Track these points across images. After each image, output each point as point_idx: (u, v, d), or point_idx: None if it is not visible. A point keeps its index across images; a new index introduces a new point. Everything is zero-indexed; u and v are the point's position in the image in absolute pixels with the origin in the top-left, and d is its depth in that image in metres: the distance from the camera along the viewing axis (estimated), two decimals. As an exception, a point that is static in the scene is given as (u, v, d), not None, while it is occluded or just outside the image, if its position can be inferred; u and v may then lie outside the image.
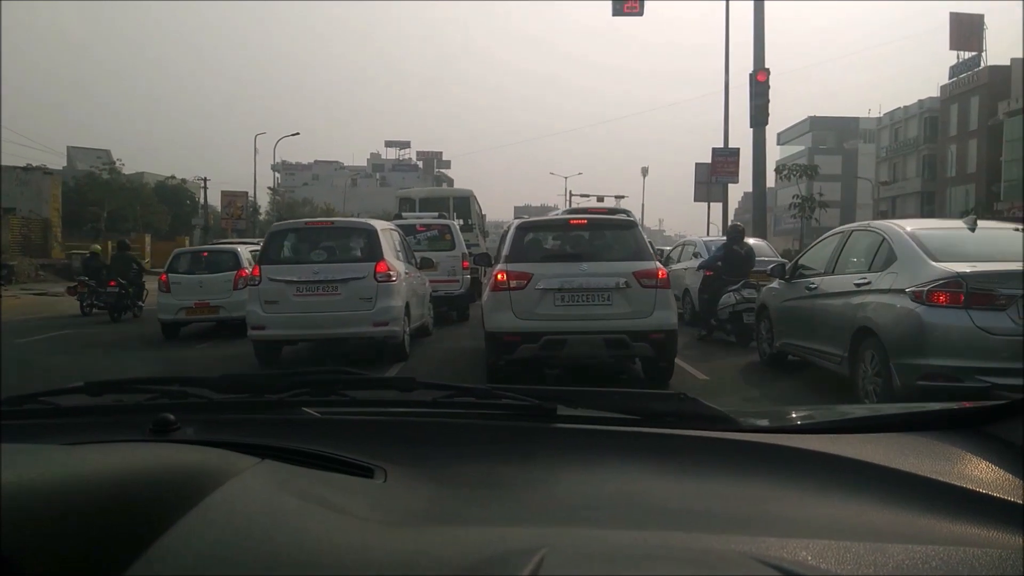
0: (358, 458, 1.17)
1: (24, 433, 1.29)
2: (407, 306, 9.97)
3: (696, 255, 14.29)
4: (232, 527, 0.80)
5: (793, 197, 19.82)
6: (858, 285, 6.83)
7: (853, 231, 7.66)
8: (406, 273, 10.36)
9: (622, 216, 8.87)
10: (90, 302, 16.86)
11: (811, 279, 7.99)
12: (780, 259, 14.79)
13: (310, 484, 1.00)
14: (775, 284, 9.16)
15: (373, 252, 9.60)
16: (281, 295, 9.34)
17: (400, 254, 10.79)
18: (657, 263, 8.06)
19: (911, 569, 0.78)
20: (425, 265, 11.99)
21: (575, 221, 8.62)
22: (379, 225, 10.28)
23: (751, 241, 12.77)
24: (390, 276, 9.48)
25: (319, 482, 1.03)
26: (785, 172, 20.98)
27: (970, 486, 1.06)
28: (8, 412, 1.41)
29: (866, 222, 7.69)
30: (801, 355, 8.08)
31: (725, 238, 12.36)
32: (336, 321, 9.25)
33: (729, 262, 11.56)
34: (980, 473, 1.11)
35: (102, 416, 1.40)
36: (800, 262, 8.66)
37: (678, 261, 15.25)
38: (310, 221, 11.02)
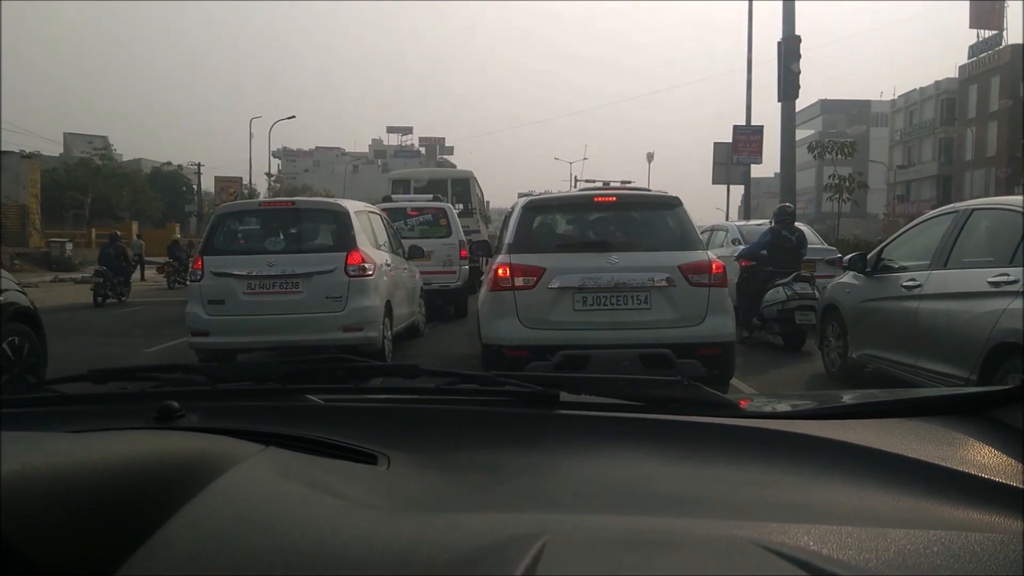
0: (361, 444, 1.15)
1: (28, 421, 1.30)
2: (388, 306, 8.11)
3: (734, 242, 12.41)
4: (235, 514, 0.80)
5: (829, 177, 17.89)
6: (995, 284, 4.96)
7: (973, 211, 5.73)
8: (388, 265, 8.50)
9: (660, 192, 6.92)
10: (103, 292, 17.40)
11: (910, 274, 6.10)
12: (828, 247, 12.99)
13: (313, 471, 0.99)
14: (847, 278, 7.29)
15: (344, 239, 7.71)
16: (228, 293, 7.47)
17: (383, 241, 8.95)
18: (710, 254, 6.18)
19: (912, 554, 0.78)
20: (415, 255, 10.20)
21: (601, 198, 6.58)
22: (353, 207, 8.34)
23: (801, 227, 10.84)
24: (365, 269, 7.59)
25: (322, 469, 1.02)
26: (818, 150, 19.03)
27: (972, 471, 1.05)
28: (11, 400, 1.45)
29: (991, 199, 5.81)
30: (892, 371, 6.21)
31: (769, 222, 10.44)
32: (296, 325, 7.36)
33: (777, 250, 9.69)
34: (982, 458, 1.11)
35: (106, 404, 1.41)
36: (887, 252, 6.76)
37: (707, 249, 13.31)
38: (266, 202, 9.19)
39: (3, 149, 36.04)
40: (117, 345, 10.67)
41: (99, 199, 44.77)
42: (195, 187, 56.47)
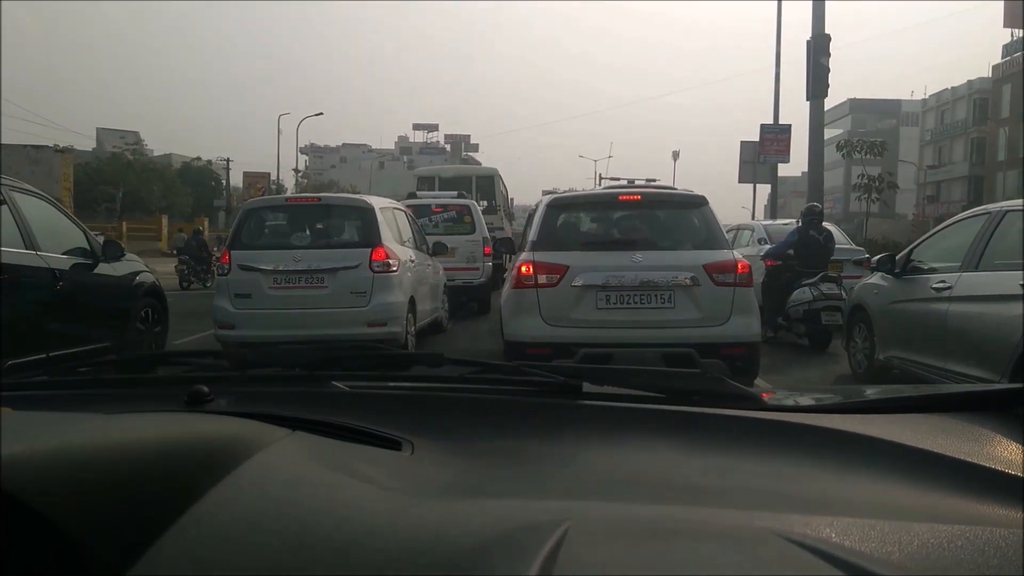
0: (386, 431, 1.16)
1: (65, 403, 1.32)
2: (412, 301, 8.12)
3: (760, 241, 12.29)
4: (263, 495, 0.81)
5: (859, 176, 17.63)
6: (1026, 287, 4.87)
7: (1006, 212, 5.63)
8: (412, 261, 8.51)
9: (686, 191, 6.87)
10: (188, 278, 19.66)
11: (940, 276, 6.01)
12: (855, 247, 12.83)
13: (339, 455, 1.00)
14: (875, 279, 7.20)
15: (369, 235, 7.73)
16: (254, 287, 7.52)
17: (407, 238, 8.97)
18: (735, 253, 6.12)
19: (937, 547, 0.76)
20: (439, 251, 10.20)
21: (626, 196, 6.53)
22: (378, 203, 8.37)
23: (829, 227, 10.70)
24: (389, 265, 7.61)
25: (348, 453, 1.04)
26: (847, 149, 18.77)
27: (998, 467, 1.03)
28: (49, 383, 1.45)
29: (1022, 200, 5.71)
30: (920, 373, 6.12)
31: (797, 222, 10.32)
32: (322, 320, 7.39)
33: (805, 250, 9.57)
34: (1008, 454, 1.09)
35: (138, 388, 1.45)
36: (916, 253, 6.66)
37: (732, 248, 13.20)
38: (292, 197, 9.23)
39: (38, 144, 36.58)
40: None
41: (130, 193, 45.33)
42: (224, 182, 56.99)
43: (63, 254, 6.64)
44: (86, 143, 60.01)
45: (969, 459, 1.07)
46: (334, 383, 1.41)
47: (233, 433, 0.95)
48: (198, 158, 61.20)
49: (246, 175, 53.61)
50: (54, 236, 6.65)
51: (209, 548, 0.73)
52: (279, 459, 0.90)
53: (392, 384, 1.48)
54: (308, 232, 8.05)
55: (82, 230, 7.32)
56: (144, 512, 0.75)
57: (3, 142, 34.21)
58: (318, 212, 8.26)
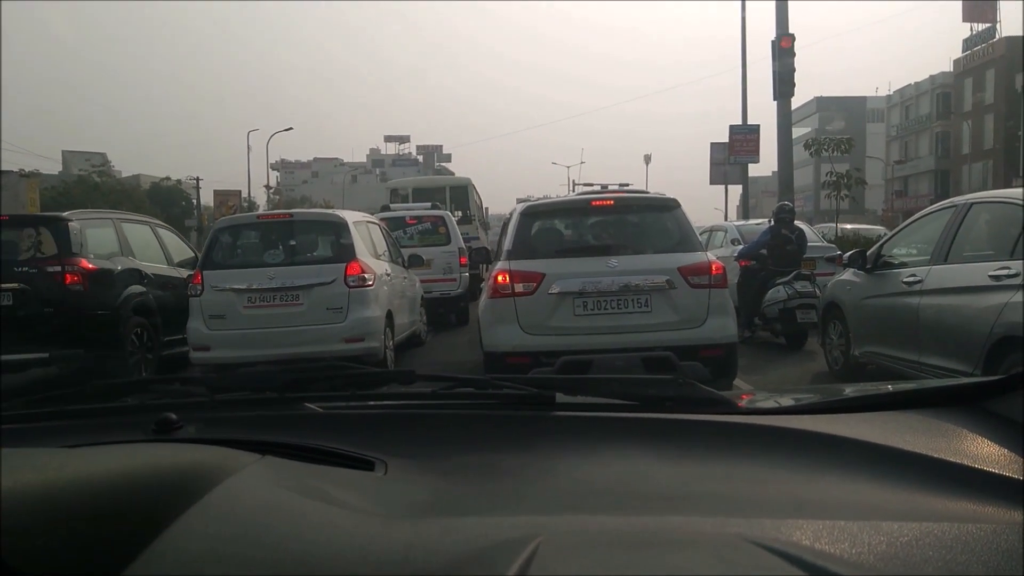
0: (358, 451, 1.16)
1: (27, 436, 1.32)
2: (389, 315, 8.07)
3: (734, 242, 12.38)
4: (231, 524, 0.80)
5: (827, 174, 17.86)
6: (996, 278, 4.95)
7: (972, 205, 5.71)
8: (388, 274, 8.47)
9: (658, 194, 6.91)
10: None
11: (911, 270, 6.08)
12: (827, 244, 12.96)
13: (310, 479, 1.00)
14: (848, 276, 7.27)
15: (343, 250, 7.68)
16: (228, 307, 7.43)
17: (382, 251, 8.94)
18: (709, 255, 6.16)
19: (906, 546, 0.77)
20: (415, 263, 10.15)
21: (599, 202, 6.55)
22: (351, 217, 8.32)
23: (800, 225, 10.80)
24: (365, 280, 7.56)
25: (319, 476, 1.02)
26: (816, 147, 19.03)
27: (968, 462, 1.05)
28: (11, 416, 1.43)
29: (990, 192, 5.79)
30: (895, 368, 6.18)
31: (769, 221, 10.41)
32: (298, 338, 7.32)
33: (777, 249, 9.65)
34: (978, 449, 1.10)
35: (105, 417, 1.42)
36: (886, 248, 6.74)
37: (706, 250, 13.29)
38: (263, 215, 9.16)
39: (4, 169, 36.08)
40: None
41: (98, 216, 44.84)
42: (194, 201, 56.44)
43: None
44: (52, 167, 59.27)
45: (937, 455, 1.07)
46: (306, 404, 1.40)
47: (199, 461, 0.93)
48: (167, 178, 60.51)
49: (217, 193, 53.08)
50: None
51: None
52: (247, 486, 0.89)
53: (364, 403, 1.47)
54: (281, 249, 7.97)
55: (189, 246, 10.51)
56: (106, 548, 0.73)
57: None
58: (291, 228, 8.19)
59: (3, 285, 7.44)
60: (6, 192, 34.44)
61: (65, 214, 8.20)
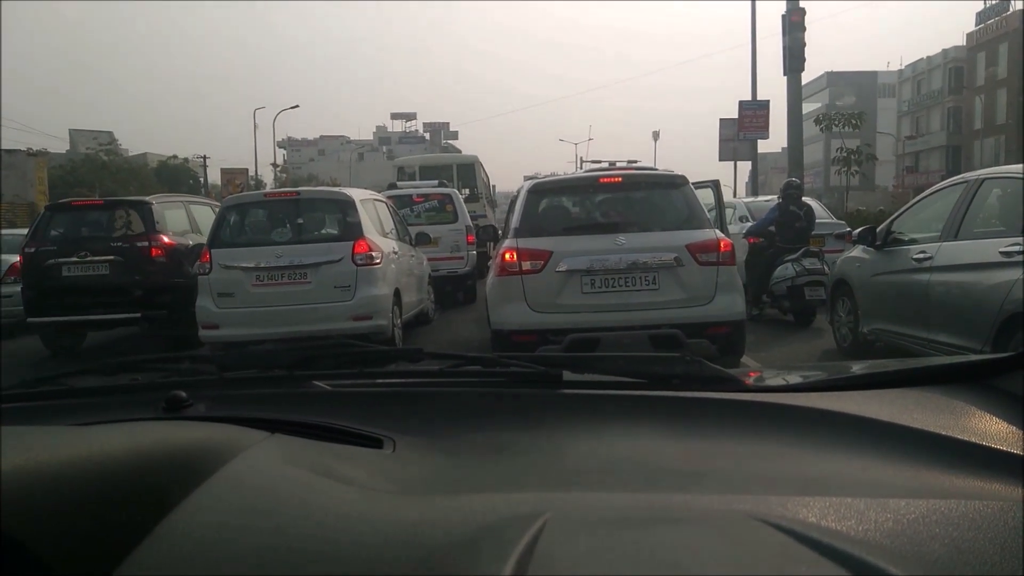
0: (367, 429, 1.16)
1: (38, 414, 1.32)
2: (396, 293, 8.07)
3: (742, 219, 12.31)
4: (239, 501, 0.81)
5: (837, 150, 17.71)
6: (1007, 254, 4.91)
7: (984, 180, 5.66)
8: (395, 252, 8.47)
9: (666, 171, 6.86)
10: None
11: (920, 246, 6.04)
12: (836, 221, 12.87)
13: (318, 456, 0.99)
14: (857, 252, 7.23)
15: (351, 228, 7.67)
16: (237, 286, 7.45)
17: (389, 229, 8.93)
18: (717, 232, 6.13)
19: (912, 522, 0.77)
20: (422, 241, 10.15)
21: (607, 179, 6.53)
22: (359, 195, 8.30)
23: (809, 201, 10.73)
24: (372, 258, 7.56)
25: (327, 454, 1.03)
26: (826, 123, 18.84)
27: (972, 439, 1.04)
28: (22, 394, 1.43)
29: (1002, 168, 5.73)
30: (904, 345, 6.16)
31: (777, 198, 10.34)
32: (306, 316, 7.34)
33: (785, 226, 9.58)
34: (983, 426, 1.10)
35: (115, 395, 1.42)
36: (896, 224, 6.69)
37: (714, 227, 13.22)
38: (271, 192, 9.16)
39: (11, 148, 36.16)
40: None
41: (106, 194, 44.85)
42: (201, 180, 56.52)
43: None
44: (60, 145, 59.29)
45: (944, 432, 1.07)
46: (315, 382, 1.40)
47: (209, 439, 0.93)
48: (174, 156, 60.61)
49: (224, 172, 53.04)
50: None
51: (184, 556, 0.72)
52: (256, 463, 0.89)
53: (372, 381, 1.47)
54: (289, 227, 7.98)
55: None
56: (116, 526, 0.73)
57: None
58: (298, 207, 8.19)
59: (101, 258, 9.03)
60: (15, 171, 34.56)
61: (148, 198, 9.84)
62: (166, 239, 9.24)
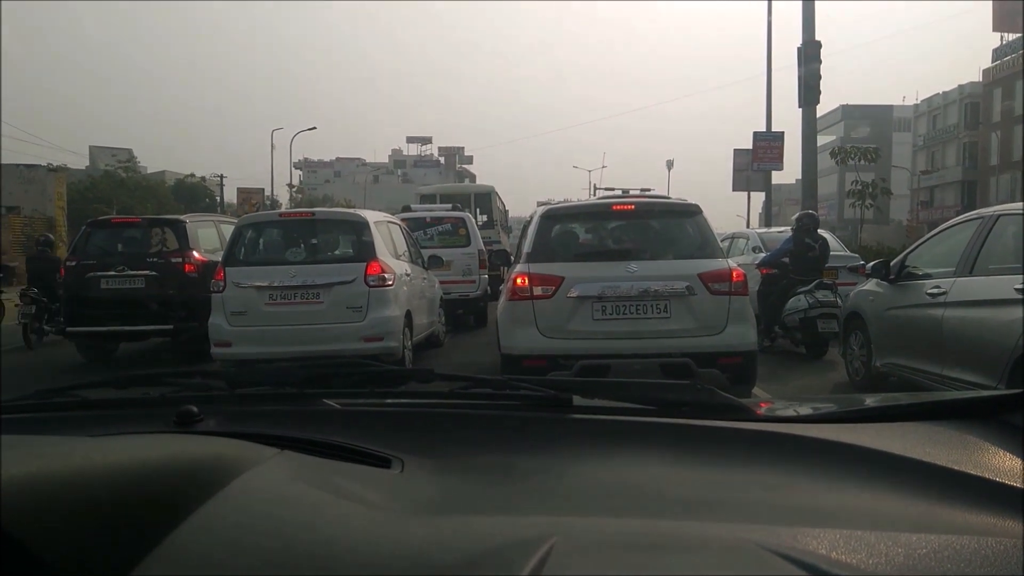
0: (376, 448, 1.16)
1: (52, 425, 1.33)
2: (408, 315, 8.10)
3: (755, 249, 12.29)
4: (248, 517, 0.81)
5: (852, 183, 17.70)
6: (1022, 291, 4.88)
7: (1000, 216, 5.64)
8: (408, 274, 8.50)
9: (680, 200, 6.88)
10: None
11: (935, 281, 6.01)
12: (850, 254, 12.83)
13: (327, 474, 1.00)
14: (871, 286, 7.19)
15: (364, 249, 7.74)
16: (250, 304, 7.51)
17: (402, 251, 8.97)
18: (730, 262, 6.13)
19: (923, 558, 0.76)
20: (434, 264, 10.17)
21: (620, 206, 6.56)
22: (373, 217, 8.37)
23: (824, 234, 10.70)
24: (385, 279, 7.60)
25: (336, 472, 1.03)
26: (841, 156, 18.83)
27: (986, 475, 1.04)
28: (37, 405, 1.44)
29: (1018, 204, 5.71)
30: (917, 380, 6.11)
31: (791, 229, 10.32)
32: (318, 336, 7.38)
33: (799, 258, 9.56)
34: (997, 462, 1.09)
35: (127, 408, 1.45)
36: (910, 259, 6.67)
37: (728, 257, 13.17)
38: (286, 212, 9.26)
39: (31, 164, 36.61)
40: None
41: (124, 211, 45.27)
42: (218, 198, 56.97)
43: None
44: (79, 161, 60.03)
45: (956, 467, 1.07)
46: (325, 401, 1.40)
47: (219, 454, 0.94)
48: (192, 174, 61.10)
49: (240, 191, 53.62)
50: None
51: (192, 569, 0.73)
52: (265, 479, 0.90)
53: (382, 401, 1.48)
54: (303, 247, 8.04)
55: None
56: (126, 537, 0.74)
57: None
58: (313, 227, 8.27)
59: (137, 272, 9.62)
60: (35, 186, 34.98)
61: (182, 217, 10.57)
62: (198, 255, 9.78)
